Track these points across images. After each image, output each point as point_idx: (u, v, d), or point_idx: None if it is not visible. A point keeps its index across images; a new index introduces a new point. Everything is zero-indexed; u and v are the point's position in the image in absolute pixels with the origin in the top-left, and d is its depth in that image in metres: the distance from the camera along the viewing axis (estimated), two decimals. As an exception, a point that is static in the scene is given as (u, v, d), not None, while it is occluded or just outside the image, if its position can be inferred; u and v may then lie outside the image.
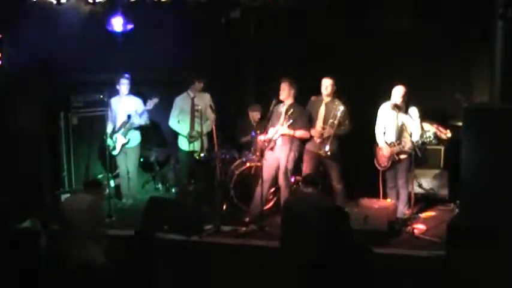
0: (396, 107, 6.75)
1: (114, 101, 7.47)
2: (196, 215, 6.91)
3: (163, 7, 7.73)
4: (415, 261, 5.97)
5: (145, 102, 7.41)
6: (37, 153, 7.22)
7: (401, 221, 6.82)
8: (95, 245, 5.24)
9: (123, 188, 7.69)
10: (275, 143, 6.95)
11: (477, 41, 7.48)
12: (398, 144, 6.78)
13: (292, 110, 6.90)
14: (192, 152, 7.46)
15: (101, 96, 7.56)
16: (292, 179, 7.78)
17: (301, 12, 7.93)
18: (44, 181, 7.34)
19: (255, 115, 7.96)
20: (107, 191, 7.82)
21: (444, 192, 7.65)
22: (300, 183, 6.68)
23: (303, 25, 8.11)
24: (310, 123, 6.99)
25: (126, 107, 7.44)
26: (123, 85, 7.42)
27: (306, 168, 7.11)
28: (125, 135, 7.44)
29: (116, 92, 7.48)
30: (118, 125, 7.45)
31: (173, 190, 8.29)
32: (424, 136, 6.66)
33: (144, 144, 8.02)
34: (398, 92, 6.72)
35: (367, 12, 7.81)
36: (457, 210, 6.98)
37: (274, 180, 7.15)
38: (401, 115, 6.78)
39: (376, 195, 6.99)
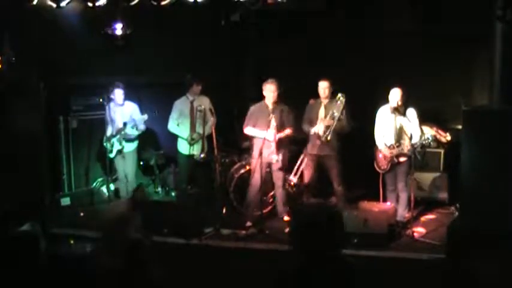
0: (394, 109, 6.75)
1: (110, 107, 7.47)
2: (196, 218, 6.90)
3: (163, 10, 7.74)
4: (415, 264, 5.95)
5: (141, 108, 7.42)
6: (37, 156, 7.22)
7: (401, 224, 6.80)
8: None
9: (122, 191, 7.69)
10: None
11: (476, 42, 7.48)
12: (398, 146, 6.78)
13: (281, 111, 6.93)
14: (191, 156, 7.45)
15: (101, 99, 7.56)
16: (293, 182, 7.80)
17: (301, 13, 7.94)
18: (43, 184, 7.34)
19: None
20: (107, 194, 7.85)
21: (444, 195, 7.65)
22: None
23: (303, 25, 8.12)
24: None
25: (122, 113, 7.45)
26: (118, 95, 7.42)
27: (307, 171, 7.11)
28: (120, 142, 7.46)
29: (111, 98, 7.48)
30: (115, 130, 7.46)
31: (173, 193, 8.29)
32: (423, 138, 6.65)
33: (143, 148, 8.03)
34: (395, 95, 6.73)
35: (367, 13, 7.82)
36: (457, 213, 6.98)
37: (270, 183, 7.16)
38: (400, 117, 6.78)
39: (375, 198, 6.99)
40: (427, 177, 7.70)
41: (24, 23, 7.18)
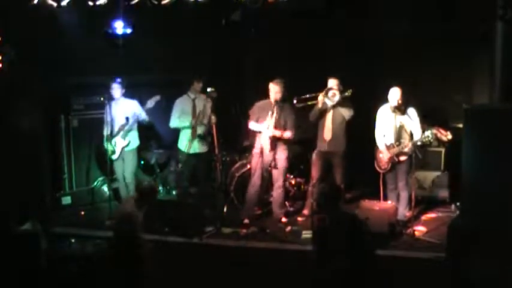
0: (395, 108, 6.75)
1: (111, 105, 7.46)
2: (197, 217, 6.90)
3: (164, 9, 7.74)
4: (415, 263, 5.96)
5: (142, 104, 7.42)
6: (38, 156, 7.22)
7: (402, 223, 6.81)
8: None
9: (121, 191, 7.68)
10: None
11: (477, 42, 7.47)
12: (398, 145, 6.78)
13: (284, 110, 6.96)
14: (192, 154, 7.44)
15: (102, 98, 7.56)
16: (293, 181, 7.82)
17: (302, 12, 7.93)
18: (44, 183, 7.34)
19: None
20: (107, 193, 7.85)
21: (445, 194, 7.65)
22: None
23: (303, 25, 8.11)
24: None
25: (123, 110, 7.44)
26: (115, 89, 7.41)
27: (315, 169, 7.13)
28: (124, 137, 7.43)
29: (112, 97, 7.48)
30: (116, 128, 7.43)
31: (174, 192, 8.29)
32: (424, 136, 6.65)
33: (144, 146, 8.02)
34: (395, 94, 6.73)
35: (368, 13, 7.81)
36: (457, 212, 6.98)
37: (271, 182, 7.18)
38: (400, 116, 6.78)
39: (376, 197, 6.99)
40: (428, 176, 7.71)
41: (25, 22, 7.18)
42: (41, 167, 7.32)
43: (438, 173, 7.71)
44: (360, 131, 7.16)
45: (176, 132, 7.62)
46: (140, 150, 7.88)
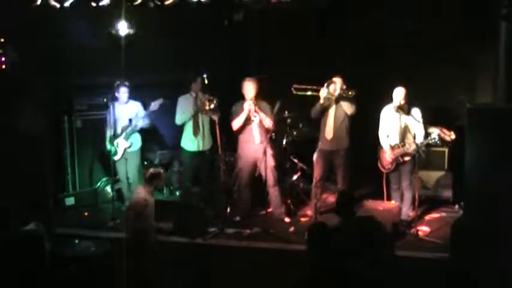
0: (399, 108, 6.73)
1: (115, 106, 7.46)
2: (200, 217, 6.91)
3: (166, 10, 7.75)
4: (419, 263, 5.94)
5: (145, 106, 7.42)
6: (41, 156, 7.22)
7: (406, 223, 6.79)
8: None
9: (124, 191, 7.68)
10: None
11: (481, 41, 7.46)
12: (402, 146, 6.77)
13: (260, 107, 7.02)
14: (195, 152, 7.44)
15: (105, 99, 7.56)
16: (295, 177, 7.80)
17: (303, 12, 7.93)
18: (47, 184, 7.35)
19: None
20: (110, 194, 7.85)
21: (448, 193, 7.63)
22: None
23: (305, 25, 8.10)
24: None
25: (127, 112, 7.44)
26: (123, 93, 7.42)
27: (317, 168, 7.13)
28: (127, 139, 7.44)
29: (115, 98, 7.48)
30: (119, 130, 7.44)
31: (177, 193, 8.29)
32: (429, 137, 6.64)
33: (147, 147, 8.02)
34: (399, 94, 6.71)
35: (369, 13, 7.80)
36: (461, 211, 6.96)
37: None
38: (404, 117, 6.76)
39: (380, 197, 6.98)
40: (431, 176, 7.69)
41: (28, 23, 7.19)
42: (45, 168, 7.32)
43: (442, 173, 7.69)
44: (363, 130, 7.14)
45: (179, 132, 7.62)
46: (144, 150, 7.89)
